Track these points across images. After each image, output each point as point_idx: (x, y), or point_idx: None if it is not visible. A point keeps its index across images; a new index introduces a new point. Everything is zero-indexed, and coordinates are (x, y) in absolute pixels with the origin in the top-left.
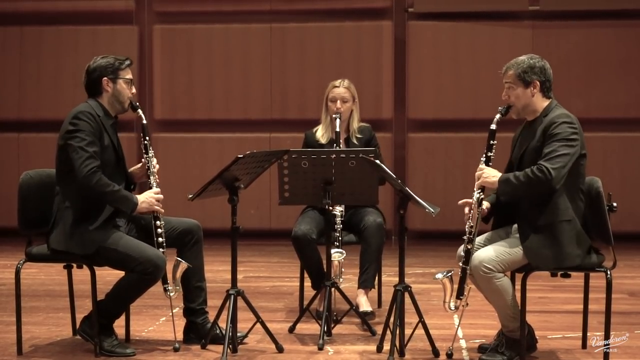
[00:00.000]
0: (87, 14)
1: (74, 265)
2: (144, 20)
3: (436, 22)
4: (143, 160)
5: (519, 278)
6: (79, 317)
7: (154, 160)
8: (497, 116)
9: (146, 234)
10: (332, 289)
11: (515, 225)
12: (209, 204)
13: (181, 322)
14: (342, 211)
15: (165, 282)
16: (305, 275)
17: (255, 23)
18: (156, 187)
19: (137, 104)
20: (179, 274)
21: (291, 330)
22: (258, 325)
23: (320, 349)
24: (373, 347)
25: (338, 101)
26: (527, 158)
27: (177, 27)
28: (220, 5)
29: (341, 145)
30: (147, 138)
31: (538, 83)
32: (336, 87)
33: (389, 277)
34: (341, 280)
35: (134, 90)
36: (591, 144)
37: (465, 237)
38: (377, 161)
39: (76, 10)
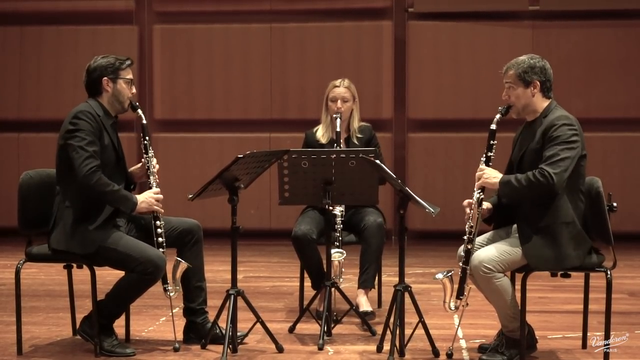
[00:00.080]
0: (87, 13)
1: (74, 265)
2: (144, 20)
3: (436, 22)
4: (143, 160)
5: (519, 278)
6: (79, 317)
7: (154, 160)
8: (497, 116)
9: (146, 234)
10: (332, 289)
11: (515, 225)
12: (209, 204)
13: (181, 322)
14: (342, 211)
15: (165, 282)
16: (305, 275)
17: (255, 23)
18: (156, 187)
19: (137, 103)
20: (179, 274)
21: (291, 330)
22: (258, 325)
23: (320, 349)
24: (373, 347)
25: (338, 101)
26: (526, 159)
27: (177, 27)
28: (220, 5)
29: (342, 145)
30: (147, 138)
31: (538, 83)
32: (336, 86)
33: (389, 277)
34: (341, 280)
35: (134, 90)
36: (591, 144)
37: (465, 237)
38: (377, 161)
39: (76, 10)
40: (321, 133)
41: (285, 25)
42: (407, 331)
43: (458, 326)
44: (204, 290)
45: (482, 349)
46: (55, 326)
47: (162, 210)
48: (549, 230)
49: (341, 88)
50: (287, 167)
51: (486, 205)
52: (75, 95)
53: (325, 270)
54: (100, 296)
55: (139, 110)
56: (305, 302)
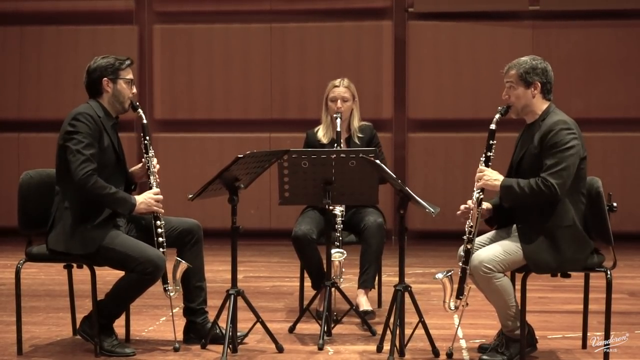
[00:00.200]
0: (87, 13)
1: (74, 265)
2: (144, 20)
3: (436, 22)
4: (143, 160)
5: (519, 278)
6: (79, 317)
7: (154, 160)
8: (497, 116)
9: (146, 234)
10: (332, 289)
11: (515, 226)
12: (209, 204)
13: (181, 322)
14: (342, 211)
15: (165, 282)
16: (305, 275)
17: (255, 23)
18: (156, 187)
19: (138, 103)
20: (179, 274)
21: (291, 330)
22: (258, 325)
23: (320, 349)
24: (373, 347)
25: (338, 100)
26: (525, 161)
27: (177, 27)
28: (220, 5)
29: (342, 145)
30: (148, 138)
31: (539, 84)
32: (336, 86)
33: (389, 277)
34: (341, 280)
35: (134, 90)
36: (591, 144)
37: (465, 237)
38: (377, 161)
39: (76, 10)
40: (322, 133)
41: (285, 25)
42: (407, 331)
43: (458, 326)
44: (204, 290)
45: (482, 348)
46: (55, 326)
47: (162, 211)
48: (549, 233)
49: (341, 88)
50: (287, 167)
51: (486, 205)
52: (76, 96)
53: (325, 270)
54: (100, 296)
55: (140, 110)
56: (305, 302)
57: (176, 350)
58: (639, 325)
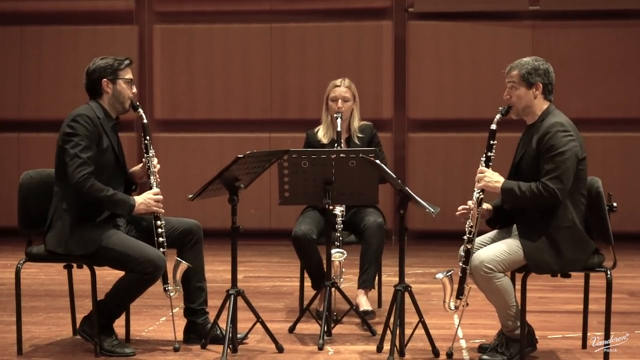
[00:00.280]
0: (87, 13)
1: (74, 265)
2: (144, 20)
3: (436, 22)
4: (143, 160)
5: (519, 278)
6: (79, 317)
7: (155, 160)
8: (498, 116)
9: (146, 234)
10: (332, 289)
11: (515, 226)
12: (209, 204)
13: (181, 322)
14: (342, 211)
15: (165, 282)
16: (306, 275)
17: (255, 23)
18: (156, 187)
19: (138, 103)
20: (179, 274)
21: (291, 330)
22: (258, 325)
23: (320, 349)
24: (373, 347)
25: (339, 100)
26: (524, 162)
27: (177, 27)
28: (220, 5)
29: (342, 145)
30: (148, 138)
31: (541, 85)
32: (337, 86)
33: (389, 277)
34: (341, 280)
35: (134, 90)
36: (591, 144)
37: (465, 237)
38: (377, 161)
39: (76, 10)
40: (322, 133)
41: (285, 25)
42: (407, 331)
43: (458, 326)
44: (204, 291)
45: (482, 348)
46: (55, 326)
47: (162, 211)
48: (550, 234)
49: (342, 87)
50: (287, 167)
51: (486, 206)
52: (76, 96)
53: (325, 270)
54: (100, 296)
55: (140, 110)
56: (305, 302)
57: (176, 350)
58: (639, 325)
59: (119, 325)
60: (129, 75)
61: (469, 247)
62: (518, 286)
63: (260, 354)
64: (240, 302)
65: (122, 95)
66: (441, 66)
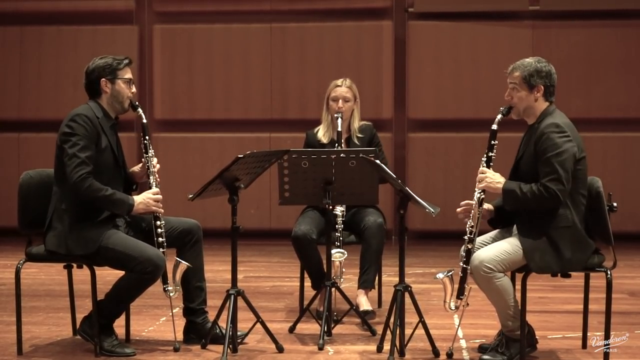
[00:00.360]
0: (88, 13)
1: (74, 265)
2: (144, 20)
3: (436, 22)
4: (143, 159)
5: (519, 278)
6: (79, 317)
7: (154, 160)
8: (499, 116)
9: (146, 234)
10: (332, 289)
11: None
12: (209, 204)
13: (181, 322)
14: (343, 211)
15: (165, 282)
16: (306, 275)
17: (255, 23)
18: (156, 186)
19: (137, 103)
20: (178, 274)
21: (291, 330)
22: (258, 325)
23: (321, 349)
24: (373, 347)
25: (340, 100)
26: (524, 162)
27: (177, 27)
28: (220, 5)
29: (342, 145)
30: (147, 137)
31: (542, 87)
32: (338, 86)
33: (389, 277)
34: (342, 280)
35: (133, 90)
36: (591, 144)
37: (466, 237)
38: (377, 161)
39: (76, 10)
40: (322, 133)
41: (285, 25)
42: (407, 331)
43: (458, 326)
44: (204, 290)
45: (482, 348)
46: (55, 326)
47: (162, 211)
48: (549, 234)
49: (343, 87)
50: (287, 167)
51: (487, 206)
52: (76, 96)
53: (325, 270)
54: (100, 296)
55: (139, 110)
56: (306, 302)
57: (176, 350)
58: (639, 325)
59: (119, 325)
60: (128, 75)
61: (469, 247)
62: (518, 286)
63: (260, 354)
64: (241, 302)
65: (120, 95)
66: (441, 66)
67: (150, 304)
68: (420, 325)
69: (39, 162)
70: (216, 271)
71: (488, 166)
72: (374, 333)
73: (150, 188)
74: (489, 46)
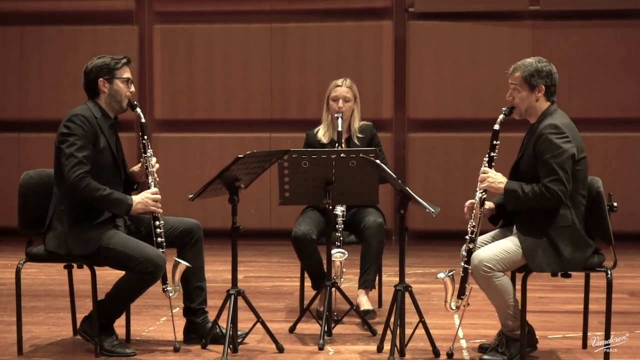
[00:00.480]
0: (88, 13)
1: (74, 265)
2: (144, 20)
3: (436, 22)
4: (142, 159)
5: (519, 278)
6: (79, 317)
7: (153, 160)
8: (501, 116)
9: (146, 234)
10: (333, 289)
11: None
12: (209, 204)
13: (181, 322)
14: (343, 211)
15: (165, 282)
16: (306, 275)
17: (255, 23)
18: (154, 186)
19: (136, 102)
20: (178, 274)
21: (291, 330)
22: (258, 325)
23: (321, 349)
24: (373, 347)
25: (340, 100)
26: (523, 162)
27: (177, 27)
28: (220, 5)
29: (342, 145)
30: (146, 137)
31: (543, 87)
32: (339, 86)
33: (389, 277)
34: (342, 280)
35: (132, 89)
36: (591, 144)
37: (467, 237)
38: (377, 161)
39: (77, 10)
40: (322, 133)
41: (285, 25)
42: (408, 331)
43: (459, 326)
44: (204, 290)
45: (482, 348)
46: (56, 326)
47: (161, 210)
48: (549, 233)
49: (343, 87)
50: (287, 167)
51: (488, 205)
52: (76, 96)
53: (325, 270)
54: (101, 296)
55: (138, 109)
56: (306, 302)
57: (176, 350)
58: (639, 325)
59: (119, 325)
60: (126, 74)
61: (471, 246)
62: (518, 286)
63: (261, 354)
64: (241, 302)
65: (119, 95)
66: (441, 66)
67: (150, 304)
68: (420, 325)
69: (39, 162)
70: (216, 271)
71: (490, 166)
72: (374, 333)
73: (149, 188)
74: (489, 46)
